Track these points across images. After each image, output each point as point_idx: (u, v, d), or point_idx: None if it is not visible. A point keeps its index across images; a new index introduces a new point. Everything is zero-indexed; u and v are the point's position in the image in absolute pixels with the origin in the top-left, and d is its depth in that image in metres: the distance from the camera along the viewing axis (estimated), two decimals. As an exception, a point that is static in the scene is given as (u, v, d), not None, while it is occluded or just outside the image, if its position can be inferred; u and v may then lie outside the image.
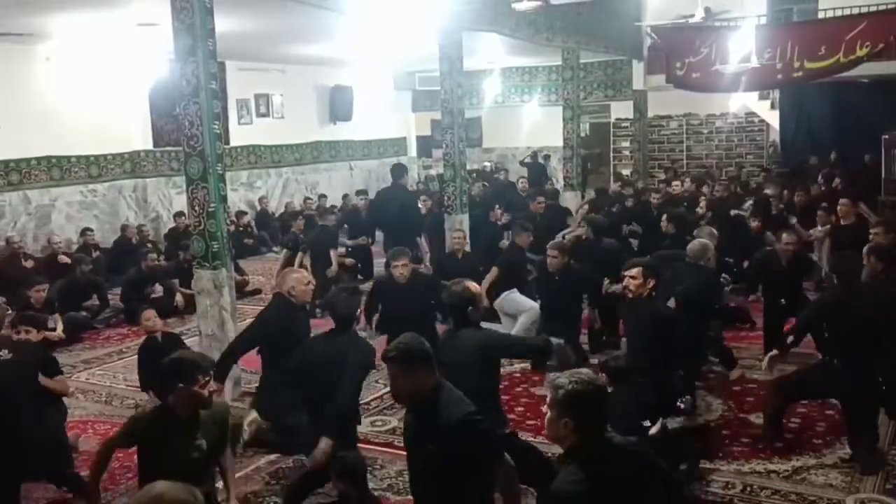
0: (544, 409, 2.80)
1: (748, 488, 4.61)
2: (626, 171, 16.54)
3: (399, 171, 10.15)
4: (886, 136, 13.81)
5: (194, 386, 3.55)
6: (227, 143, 13.72)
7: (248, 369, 6.78)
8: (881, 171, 13.75)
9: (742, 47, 12.47)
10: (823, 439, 5.21)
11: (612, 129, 18.83)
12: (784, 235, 7.20)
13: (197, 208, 6.21)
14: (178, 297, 9.13)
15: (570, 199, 12.67)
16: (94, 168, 12.37)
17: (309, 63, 15.19)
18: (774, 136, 17.14)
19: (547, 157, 17.68)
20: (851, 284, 5.04)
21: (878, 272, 5.45)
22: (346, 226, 11.36)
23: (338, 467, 3.86)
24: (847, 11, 12.96)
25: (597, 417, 2.73)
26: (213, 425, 3.69)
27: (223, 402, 4.05)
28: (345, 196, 14.73)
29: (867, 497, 4.46)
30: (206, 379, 3.60)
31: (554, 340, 5.46)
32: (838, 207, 8.40)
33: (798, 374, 5.34)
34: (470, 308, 4.28)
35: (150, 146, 13.06)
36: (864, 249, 5.78)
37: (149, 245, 11.08)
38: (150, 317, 6.06)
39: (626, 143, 18.25)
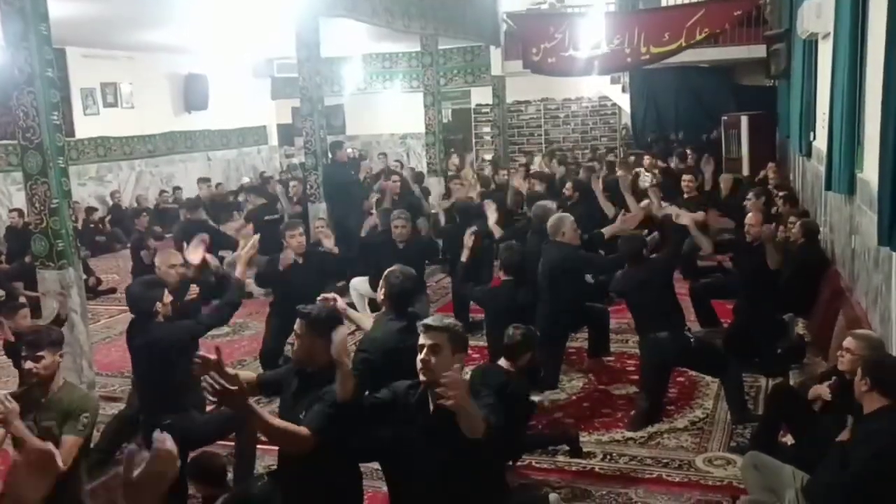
0: None
1: (608, 456, 4.82)
2: (487, 156, 16.82)
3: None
4: (726, 117, 14.72)
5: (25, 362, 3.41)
6: (72, 135, 12.98)
7: (103, 372, 6.48)
8: (721, 149, 14.65)
9: (593, 33, 12.97)
10: (675, 405, 5.50)
11: (472, 115, 19.10)
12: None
13: (37, 205, 5.83)
14: (23, 301, 8.53)
15: (434, 185, 12.76)
16: (-81, 165, 11.40)
17: (159, 50, 14.52)
18: (626, 118, 17.88)
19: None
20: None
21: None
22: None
23: (192, 470, 3.73)
24: (688, 0, 13.73)
25: None
26: (55, 407, 3.44)
27: (81, 389, 3.81)
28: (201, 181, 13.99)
29: (714, 455, 4.76)
30: (37, 354, 3.41)
31: None
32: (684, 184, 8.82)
33: None
34: None
35: (-18, 139, 12.18)
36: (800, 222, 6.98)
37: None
38: (25, 315, 5.70)
39: (488, 129, 18.55)
